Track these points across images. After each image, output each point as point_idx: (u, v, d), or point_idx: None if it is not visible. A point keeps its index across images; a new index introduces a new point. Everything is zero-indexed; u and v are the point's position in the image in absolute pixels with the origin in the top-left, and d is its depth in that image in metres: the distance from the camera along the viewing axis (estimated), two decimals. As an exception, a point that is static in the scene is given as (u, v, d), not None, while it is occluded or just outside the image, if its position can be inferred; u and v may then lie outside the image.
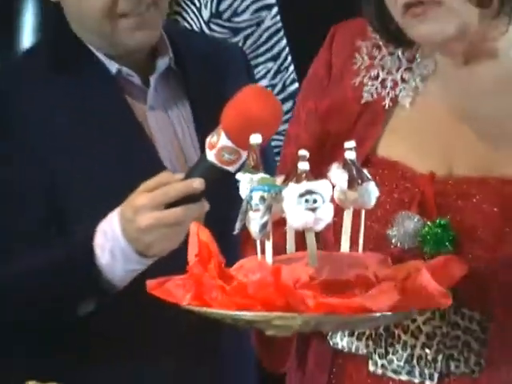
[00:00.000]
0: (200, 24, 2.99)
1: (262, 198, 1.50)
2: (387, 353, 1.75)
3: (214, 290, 1.52)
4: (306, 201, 1.47)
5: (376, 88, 1.80)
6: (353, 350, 1.74)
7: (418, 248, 1.66)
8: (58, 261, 2.02)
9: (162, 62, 2.20)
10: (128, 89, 2.20)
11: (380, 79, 1.81)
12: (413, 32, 1.65)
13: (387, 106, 1.75)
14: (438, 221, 1.67)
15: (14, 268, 2.06)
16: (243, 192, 1.51)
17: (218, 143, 1.76)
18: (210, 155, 1.78)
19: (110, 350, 2.08)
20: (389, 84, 1.78)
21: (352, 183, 1.55)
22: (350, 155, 1.54)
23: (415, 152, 1.75)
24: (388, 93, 1.78)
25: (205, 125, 2.02)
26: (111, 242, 1.95)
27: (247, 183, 1.52)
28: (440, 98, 1.76)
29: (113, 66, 2.17)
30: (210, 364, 2.16)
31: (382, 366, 1.74)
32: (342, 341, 1.75)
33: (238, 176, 1.53)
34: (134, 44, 2.16)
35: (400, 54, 1.79)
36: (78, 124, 2.14)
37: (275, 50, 3.04)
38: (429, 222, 1.65)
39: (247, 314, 1.46)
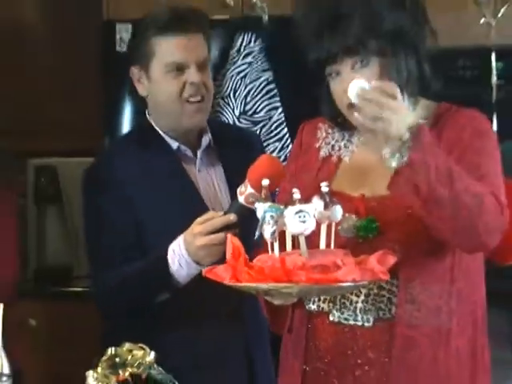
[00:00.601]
0: (233, 118, 3.52)
1: (272, 217, 1.90)
2: (341, 307, 2.10)
3: (243, 272, 1.90)
4: (299, 216, 1.88)
5: (329, 150, 2.21)
6: (320, 309, 2.13)
7: (356, 236, 2.07)
8: (146, 269, 2.45)
9: (205, 141, 2.61)
10: (183, 158, 2.60)
11: (331, 145, 2.21)
12: (355, 122, 2.02)
13: (335, 161, 2.19)
14: (366, 218, 2.08)
15: (120, 273, 2.46)
16: (259, 213, 1.92)
17: (246, 191, 2.18)
18: (241, 199, 2.20)
19: (176, 320, 2.49)
20: (336, 148, 2.21)
21: (326, 206, 1.93)
22: (325, 190, 1.93)
23: (353, 185, 2.14)
24: (336, 154, 2.20)
25: (232, 182, 2.46)
26: (178, 257, 2.36)
27: (262, 208, 1.91)
28: (365, 155, 2.15)
29: (174, 144, 2.59)
30: (239, 328, 2.56)
31: (338, 316, 2.10)
32: (313, 305, 2.13)
33: (256, 204, 1.95)
34: (192, 125, 2.57)
35: (344, 133, 2.20)
36: (153, 181, 2.56)
37: (280, 135, 3.55)
38: (362, 219, 2.08)
39: (264, 286, 1.87)
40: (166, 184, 2.56)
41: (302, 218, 1.89)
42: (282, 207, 1.93)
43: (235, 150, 2.63)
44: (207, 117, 2.61)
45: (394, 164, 1.91)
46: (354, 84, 1.93)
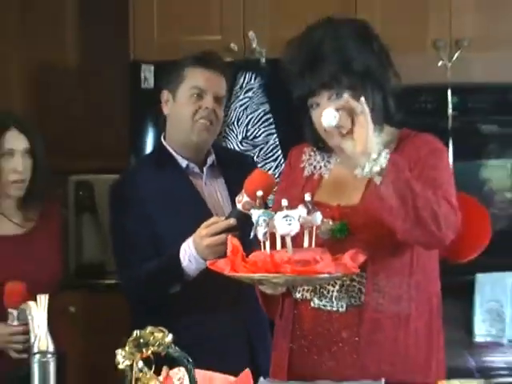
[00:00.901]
0: (237, 142, 3.52)
1: (264, 220, 1.96)
2: (320, 296, 2.15)
3: (240, 265, 1.96)
4: (286, 220, 1.93)
5: (311, 169, 2.24)
6: (303, 297, 2.17)
7: (332, 237, 2.09)
8: (162, 265, 2.49)
9: (210, 160, 2.69)
10: (192, 174, 2.66)
11: (313, 165, 2.25)
12: (334, 146, 2.11)
13: (317, 178, 2.22)
14: (340, 223, 2.10)
15: (141, 270, 2.49)
16: (254, 218, 1.96)
17: (243, 200, 2.24)
18: (239, 206, 2.26)
19: (187, 308, 2.50)
20: (317, 168, 2.24)
21: (309, 213, 1.98)
22: (308, 199, 1.99)
23: (331, 197, 2.17)
24: (317, 172, 2.23)
25: (232, 192, 2.49)
26: (188, 254, 2.41)
27: (256, 214, 1.96)
28: (341, 172, 2.17)
29: (184, 163, 2.65)
30: (239, 313, 2.57)
31: (318, 303, 2.14)
32: (298, 294, 2.18)
33: (252, 211, 1.99)
34: (199, 140, 2.62)
35: (324, 154, 2.24)
36: (166, 195, 2.59)
37: (275, 156, 3.52)
38: (336, 223, 2.10)
39: (257, 276, 1.94)
40: (178, 195, 2.61)
41: (288, 221, 1.95)
42: (272, 213, 1.99)
43: (233, 167, 2.70)
44: (213, 139, 2.71)
45: (365, 174, 1.97)
46: (326, 112, 1.98)
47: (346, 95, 2.06)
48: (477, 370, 3.33)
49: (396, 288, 2.13)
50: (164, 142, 2.71)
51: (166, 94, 2.68)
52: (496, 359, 3.42)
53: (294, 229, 1.95)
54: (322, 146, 2.21)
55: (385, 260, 2.12)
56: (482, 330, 3.49)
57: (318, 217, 2.01)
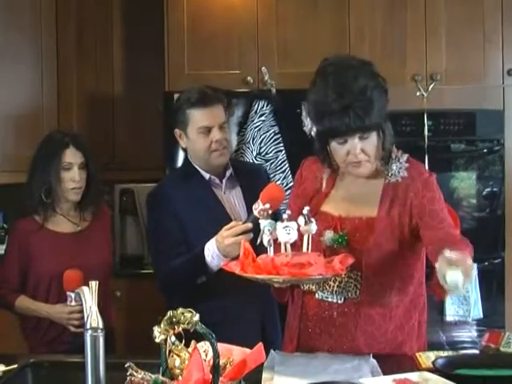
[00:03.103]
0: (252, 157, 3.49)
1: (268, 230, 2.00)
2: (323, 289, 2.13)
3: (248, 266, 1.98)
4: (285, 230, 1.96)
5: (321, 181, 2.19)
6: (309, 289, 2.16)
7: (333, 245, 2.09)
8: (190, 261, 2.46)
9: (228, 173, 2.65)
10: (213, 185, 2.62)
11: (324, 178, 2.19)
12: (353, 172, 2.10)
13: (325, 190, 2.19)
14: (340, 233, 2.09)
15: (172, 265, 2.47)
16: (261, 227, 2.02)
17: (259, 208, 2.19)
18: (255, 212, 2.20)
19: (210, 294, 2.47)
20: (325, 183, 2.19)
21: (306, 223, 1.99)
22: (305, 212, 1.99)
23: (334, 208, 2.14)
24: (326, 184, 2.19)
25: (248, 200, 2.49)
26: (212, 252, 2.39)
27: (263, 224, 2.02)
28: (345, 188, 2.16)
29: (206, 176, 2.62)
30: (253, 298, 2.50)
31: (321, 295, 2.14)
32: (305, 286, 2.16)
33: (260, 221, 2.06)
34: (216, 164, 2.60)
35: (331, 172, 2.19)
36: (193, 202, 2.56)
37: (283, 169, 3.47)
38: (337, 234, 2.09)
39: (260, 277, 1.95)
40: (202, 202, 2.59)
41: (288, 231, 1.96)
42: (275, 223, 2.00)
43: (248, 177, 2.67)
44: (228, 158, 2.66)
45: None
46: (451, 275, 1.74)
47: (374, 133, 2.01)
48: (447, 343, 3.38)
49: (387, 290, 2.11)
50: (190, 159, 2.67)
51: (178, 132, 2.63)
52: (462, 335, 3.47)
53: (293, 237, 1.96)
54: (331, 166, 2.16)
55: (377, 266, 2.09)
56: (451, 311, 3.47)
57: (313, 227, 2.00)
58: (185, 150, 2.71)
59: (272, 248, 1.98)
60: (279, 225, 1.97)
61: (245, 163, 3.23)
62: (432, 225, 2.05)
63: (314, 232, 2.00)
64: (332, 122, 1.99)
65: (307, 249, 2.01)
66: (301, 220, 1.99)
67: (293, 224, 1.96)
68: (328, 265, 1.96)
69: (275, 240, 2.00)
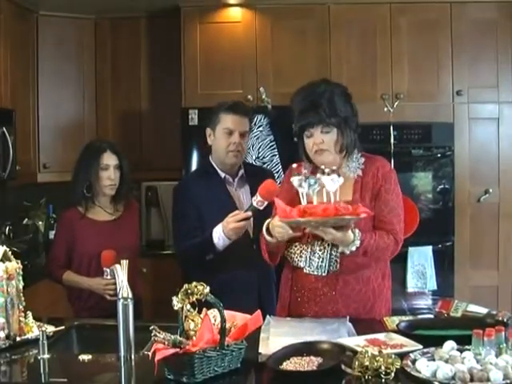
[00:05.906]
0: (252, 161, 3.47)
1: (315, 182, 1.89)
2: (309, 265, 2.10)
3: (292, 213, 1.89)
4: (332, 180, 1.88)
5: (301, 181, 1.99)
6: (298, 265, 2.13)
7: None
8: (202, 242, 2.41)
9: (240, 173, 2.59)
10: (227, 182, 2.56)
11: (303, 178, 2.01)
12: (317, 159, 2.10)
13: (305, 185, 1.98)
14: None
15: (188, 244, 2.43)
16: (299, 182, 1.93)
17: (257, 199, 2.21)
18: (254, 203, 2.23)
19: (216, 269, 2.40)
20: (305, 182, 2.01)
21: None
22: (327, 170, 1.90)
23: (314, 201, 1.98)
24: (307, 181, 1.99)
25: (253, 195, 2.31)
26: (218, 235, 2.35)
27: (297, 180, 1.94)
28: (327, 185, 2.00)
29: (222, 174, 2.56)
30: (251, 271, 2.47)
31: (308, 270, 2.11)
32: (295, 263, 2.12)
33: (292, 178, 1.95)
34: (231, 162, 2.54)
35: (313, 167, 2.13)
36: (209, 195, 2.51)
37: (277, 169, 3.44)
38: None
39: (295, 220, 1.90)
40: (216, 196, 2.54)
41: (334, 181, 1.90)
42: (315, 177, 1.93)
43: (256, 178, 2.52)
44: (241, 160, 2.61)
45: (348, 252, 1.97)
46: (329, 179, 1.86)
47: (334, 130, 2.03)
48: (408, 310, 3.40)
49: (361, 261, 2.07)
50: (210, 160, 2.61)
51: (208, 131, 2.57)
52: (420, 303, 3.48)
53: (337, 186, 1.90)
54: (311, 162, 2.16)
55: None
56: (412, 284, 3.45)
57: (340, 179, 1.91)
58: (208, 149, 2.64)
59: (305, 199, 1.92)
60: (324, 178, 1.90)
61: (255, 166, 3.15)
62: (381, 209, 2.06)
63: (341, 182, 1.92)
64: (302, 118, 2.05)
65: (335, 201, 1.92)
66: (333, 176, 1.92)
67: (335, 176, 1.90)
68: (350, 210, 1.88)
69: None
